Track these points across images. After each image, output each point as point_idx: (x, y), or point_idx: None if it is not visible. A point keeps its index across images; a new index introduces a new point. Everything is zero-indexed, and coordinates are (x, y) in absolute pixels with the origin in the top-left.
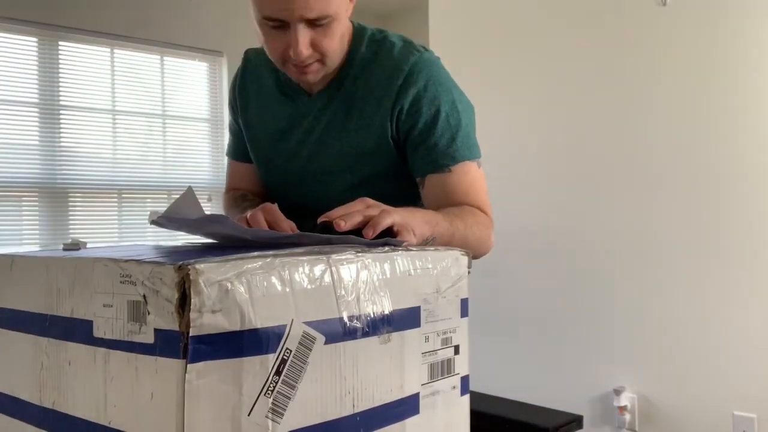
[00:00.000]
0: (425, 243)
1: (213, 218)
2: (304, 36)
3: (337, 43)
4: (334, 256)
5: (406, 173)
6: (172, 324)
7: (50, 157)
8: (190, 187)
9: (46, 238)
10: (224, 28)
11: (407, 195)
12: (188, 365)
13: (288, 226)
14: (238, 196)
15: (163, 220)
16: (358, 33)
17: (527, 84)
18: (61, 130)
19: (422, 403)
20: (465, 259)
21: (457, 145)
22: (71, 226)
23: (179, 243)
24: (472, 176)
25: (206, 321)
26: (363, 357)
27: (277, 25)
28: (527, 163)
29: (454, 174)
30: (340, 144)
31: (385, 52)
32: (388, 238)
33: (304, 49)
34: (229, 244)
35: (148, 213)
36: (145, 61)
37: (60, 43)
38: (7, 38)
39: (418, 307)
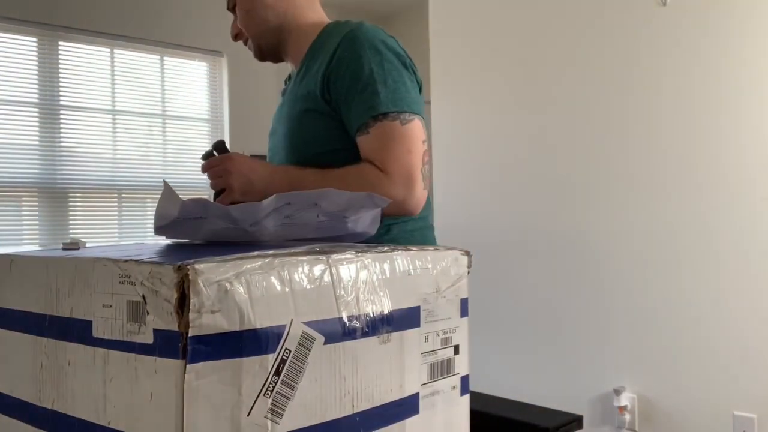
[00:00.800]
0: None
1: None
2: (232, 22)
3: (243, 21)
4: (334, 256)
5: (337, 136)
6: (171, 324)
7: (50, 157)
8: (164, 181)
9: (46, 238)
10: (224, 28)
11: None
12: (187, 365)
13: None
14: None
15: (161, 232)
16: (330, 25)
17: (527, 83)
18: (61, 130)
19: (422, 403)
20: (465, 259)
21: (381, 99)
22: (71, 226)
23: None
24: (388, 135)
25: (205, 321)
26: (362, 357)
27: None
28: (527, 163)
29: (371, 135)
30: (288, 109)
31: (337, 30)
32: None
33: (231, 32)
34: (229, 238)
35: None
36: (145, 61)
37: (60, 43)
38: (7, 38)
39: (418, 307)
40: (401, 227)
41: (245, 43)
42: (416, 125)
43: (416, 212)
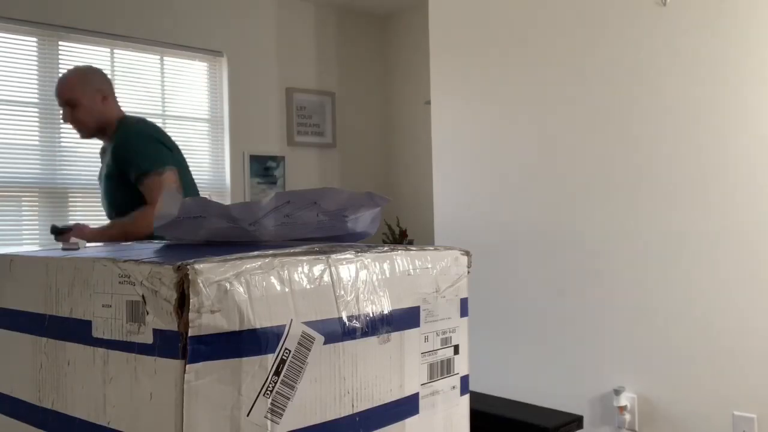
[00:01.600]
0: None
1: (197, 205)
2: (64, 111)
3: (81, 117)
4: (334, 256)
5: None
6: (170, 324)
7: (50, 157)
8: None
9: (46, 238)
10: (224, 28)
11: (127, 201)
12: (187, 365)
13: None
14: None
15: (161, 231)
16: (126, 120)
17: (526, 84)
18: (61, 130)
19: (422, 403)
20: (465, 259)
21: (137, 165)
22: None
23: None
24: (147, 185)
25: (205, 321)
26: (362, 357)
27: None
28: (527, 163)
29: (145, 185)
30: (103, 174)
31: (121, 126)
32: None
33: (63, 118)
34: (229, 237)
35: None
36: (145, 61)
37: (60, 43)
38: (7, 38)
39: (418, 307)
40: None
41: (74, 128)
42: (168, 175)
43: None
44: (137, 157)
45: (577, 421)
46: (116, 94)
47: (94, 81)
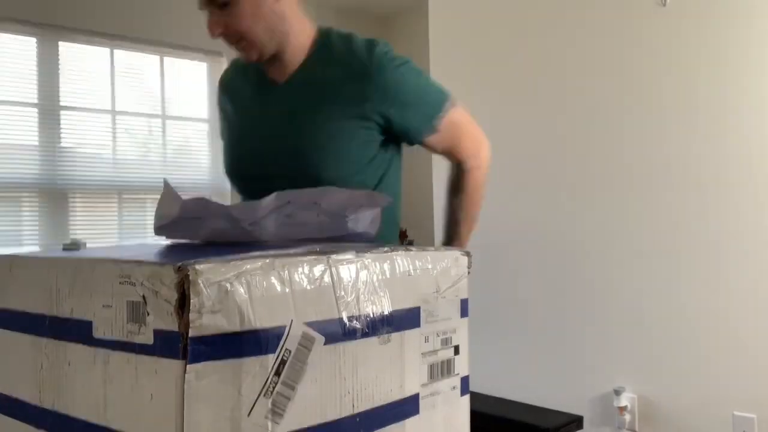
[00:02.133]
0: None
1: (198, 205)
2: (212, 18)
3: (247, 24)
4: (334, 257)
5: (368, 154)
6: (171, 325)
7: (50, 157)
8: (165, 180)
9: (46, 239)
10: None
11: (357, 175)
12: (188, 366)
13: None
14: None
15: (161, 232)
16: (323, 30)
17: (526, 84)
18: (61, 130)
19: (422, 403)
20: (465, 259)
21: (429, 102)
22: (71, 227)
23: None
24: (452, 125)
25: (206, 322)
26: (363, 357)
27: (204, 10)
28: (527, 163)
29: (440, 133)
30: (311, 126)
31: (356, 46)
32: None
33: (212, 31)
34: (229, 237)
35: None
36: (145, 61)
37: (60, 43)
38: (7, 38)
39: (418, 308)
40: None
41: (231, 43)
42: (458, 109)
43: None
44: (420, 96)
45: (577, 421)
46: (116, 94)
47: None
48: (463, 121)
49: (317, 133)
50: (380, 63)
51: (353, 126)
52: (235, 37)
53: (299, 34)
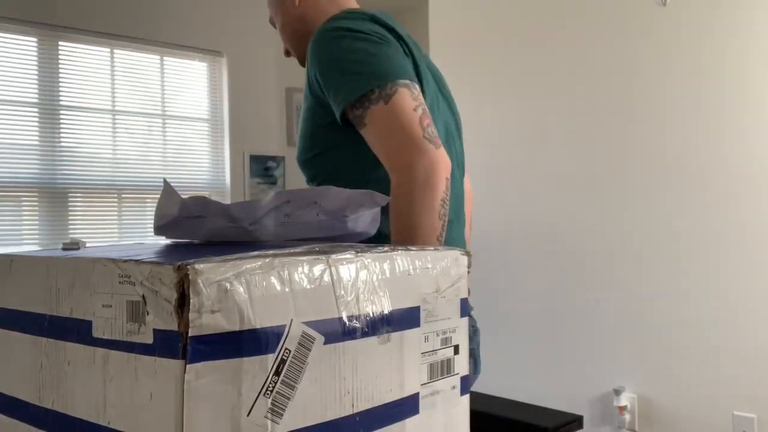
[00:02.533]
0: None
1: (198, 204)
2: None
3: (283, 34)
4: (334, 256)
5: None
6: (171, 324)
7: (50, 157)
8: (164, 180)
9: (46, 238)
10: (224, 28)
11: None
12: (187, 365)
13: None
14: None
15: (161, 232)
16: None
17: (526, 84)
18: (61, 130)
19: (422, 403)
20: (465, 259)
21: (337, 93)
22: (71, 226)
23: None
24: (378, 123)
25: (205, 321)
26: (362, 357)
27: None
28: (526, 163)
29: (368, 126)
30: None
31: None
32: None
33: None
34: (229, 237)
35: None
36: (145, 61)
37: (60, 43)
38: (7, 38)
39: (418, 307)
40: None
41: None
42: (400, 96)
43: (434, 170)
44: (336, 83)
45: (577, 421)
46: (116, 94)
47: None
48: (391, 123)
49: (301, 122)
50: (317, 32)
51: (310, 104)
52: (286, 47)
53: (321, 21)
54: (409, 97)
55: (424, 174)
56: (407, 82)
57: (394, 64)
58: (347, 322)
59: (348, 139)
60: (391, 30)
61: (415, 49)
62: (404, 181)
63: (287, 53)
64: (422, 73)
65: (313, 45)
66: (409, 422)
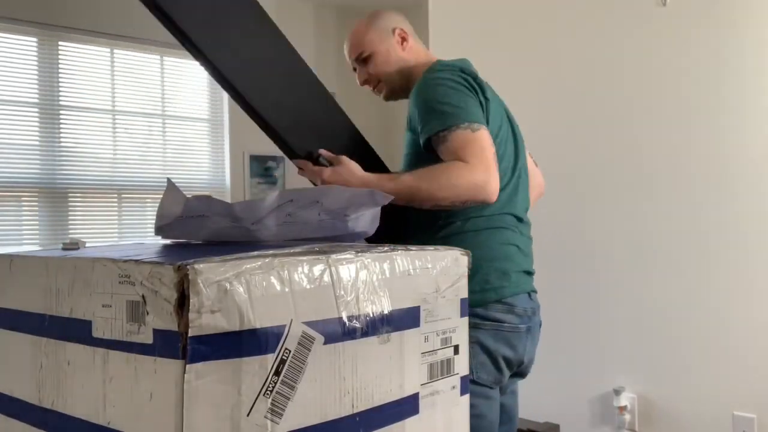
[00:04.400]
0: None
1: (201, 203)
2: (358, 71)
3: (382, 70)
4: (334, 256)
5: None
6: (171, 324)
7: (50, 157)
8: (168, 179)
9: (46, 238)
10: None
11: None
12: (187, 365)
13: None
14: None
15: (161, 232)
16: (433, 63)
17: (526, 84)
18: (61, 130)
19: (422, 403)
20: (464, 259)
21: (428, 123)
22: (71, 226)
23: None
24: (463, 139)
25: (205, 321)
26: (362, 357)
27: (353, 67)
28: None
29: (449, 142)
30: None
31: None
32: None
33: (359, 80)
34: (231, 237)
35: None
36: (145, 61)
37: (60, 43)
38: (7, 38)
39: (418, 307)
40: (474, 222)
41: (373, 88)
42: (485, 132)
43: (493, 198)
44: (422, 115)
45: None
46: (116, 94)
47: (388, 19)
48: (474, 142)
49: (405, 147)
50: (421, 80)
51: (412, 135)
52: (375, 81)
53: (421, 68)
54: (489, 138)
55: (482, 179)
56: (486, 128)
57: (479, 114)
58: (347, 322)
59: (431, 161)
60: (475, 77)
61: (488, 89)
62: (464, 167)
63: (365, 83)
64: (491, 108)
65: (417, 89)
66: (409, 422)
